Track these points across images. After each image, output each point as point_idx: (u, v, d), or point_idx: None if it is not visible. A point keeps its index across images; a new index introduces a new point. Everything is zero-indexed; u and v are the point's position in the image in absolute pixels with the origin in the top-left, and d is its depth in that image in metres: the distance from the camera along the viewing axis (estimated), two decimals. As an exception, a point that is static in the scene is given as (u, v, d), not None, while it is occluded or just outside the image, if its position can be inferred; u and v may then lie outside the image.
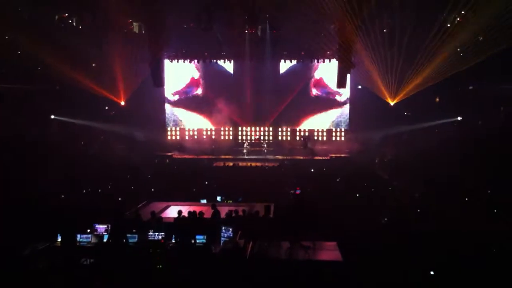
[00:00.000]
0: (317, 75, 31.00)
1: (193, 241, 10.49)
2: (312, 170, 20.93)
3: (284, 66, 30.68)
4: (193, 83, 31.49)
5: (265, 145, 29.25)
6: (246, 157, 28.05)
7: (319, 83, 31.06)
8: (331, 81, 30.36)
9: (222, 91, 30.06)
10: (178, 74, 30.99)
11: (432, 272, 9.07)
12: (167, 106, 31.51)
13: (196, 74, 31.43)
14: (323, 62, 29.73)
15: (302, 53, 29.46)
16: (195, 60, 30.47)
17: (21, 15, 23.04)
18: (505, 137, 21.09)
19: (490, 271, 9.03)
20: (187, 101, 31.63)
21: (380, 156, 26.69)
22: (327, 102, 31.17)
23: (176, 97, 31.64)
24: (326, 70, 30.59)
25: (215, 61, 30.36)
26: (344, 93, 30.78)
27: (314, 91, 31.14)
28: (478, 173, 17.86)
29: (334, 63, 27.82)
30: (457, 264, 9.31)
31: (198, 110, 31.40)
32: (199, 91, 31.47)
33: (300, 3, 21.23)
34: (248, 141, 29.89)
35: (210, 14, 23.15)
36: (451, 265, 9.28)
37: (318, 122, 31.32)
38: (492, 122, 24.80)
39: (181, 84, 31.53)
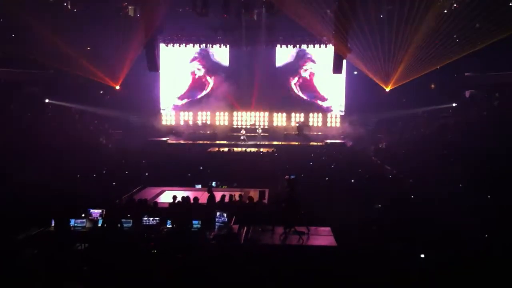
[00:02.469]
0: (308, 72, 30.90)
1: (188, 226, 10.49)
2: (311, 163, 20.95)
3: (282, 57, 30.60)
4: (197, 83, 31.27)
5: (260, 131, 29.19)
6: (240, 142, 28.03)
7: (307, 84, 30.99)
8: (322, 82, 30.56)
9: (220, 77, 29.97)
10: (174, 59, 30.71)
11: (422, 255, 9.14)
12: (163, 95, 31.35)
13: (200, 71, 31.18)
14: (319, 47, 29.57)
15: (298, 37, 29.31)
16: (191, 45, 30.19)
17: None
18: (499, 124, 21.11)
19: (483, 256, 9.12)
20: (194, 102, 31.49)
21: (375, 143, 26.75)
22: (309, 105, 31.28)
23: (185, 101, 31.49)
24: (321, 67, 30.39)
25: (211, 45, 30.17)
26: (330, 100, 30.94)
27: (298, 91, 31.07)
28: (470, 161, 17.91)
29: (331, 51, 27.61)
30: (449, 248, 9.39)
31: (204, 108, 31.23)
32: (208, 89, 31.20)
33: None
34: (244, 127, 29.75)
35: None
36: (444, 249, 9.36)
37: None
38: (487, 108, 24.80)
39: (182, 84, 31.33)
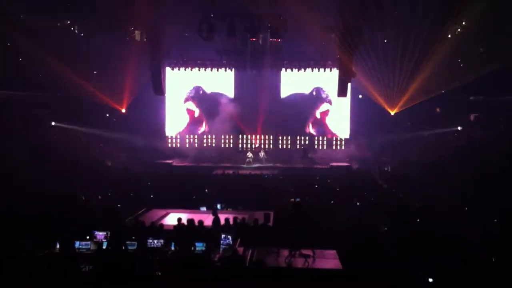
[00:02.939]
0: (319, 111, 31.02)
1: (192, 249, 10.46)
2: (316, 186, 20.96)
3: (287, 81, 30.82)
4: (195, 121, 31.50)
5: (263, 154, 29.18)
6: (245, 166, 28.02)
7: (319, 122, 31.09)
8: (332, 120, 30.77)
9: (220, 110, 30.12)
10: (180, 82, 30.93)
11: (431, 280, 9.06)
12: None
13: (196, 111, 31.45)
14: (324, 71, 29.74)
15: (303, 61, 29.52)
16: (197, 69, 30.44)
17: (23, 21, 23.11)
18: (503, 147, 21.08)
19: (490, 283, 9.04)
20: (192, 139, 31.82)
21: (380, 165, 26.69)
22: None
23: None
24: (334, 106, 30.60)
25: (210, 69, 30.51)
26: (336, 129, 31.06)
27: (310, 129, 31.20)
28: (477, 183, 17.83)
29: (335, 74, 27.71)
30: (456, 273, 9.31)
31: (210, 131, 31.43)
32: (203, 128, 31.45)
33: (301, 13, 21.34)
34: (251, 150, 29.75)
35: (211, 23, 23.23)
36: (451, 273, 9.28)
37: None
38: (491, 132, 24.78)
39: (181, 121, 31.53)
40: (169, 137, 31.47)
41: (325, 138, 31.01)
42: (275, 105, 29.79)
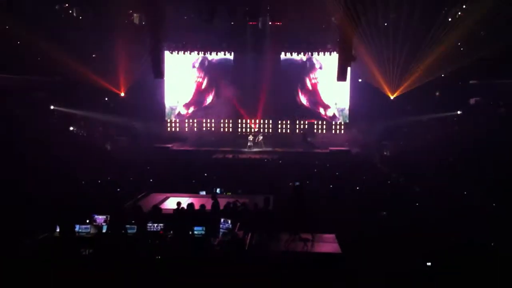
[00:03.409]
0: (313, 81, 30.80)
1: (191, 233, 10.48)
2: (315, 170, 20.99)
3: (286, 65, 30.53)
4: (202, 91, 31.26)
5: (261, 137, 29.07)
6: (245, 149, 27.99)
7: (311, 92, 30.91)
8: (327, 89, 30.44)
9: (224, 83, 29.94)
10: (178, 66, 30.78)
11: (429, 263, 9.10)
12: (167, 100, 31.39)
13: (203, 82, 31.18)
14: (324, 54, 29.60)
15: (303, 45, 29.37)
16: (196, 52, 30.26)
17: (21, 5, 22.93)
18: (504, 133, 21.07)
19: (486, 263, 9.09)
20: (200, 111, 31.57)
21: (380, 150, 26.71)
22: (312, 113, 31.23)
23: (191, 110, 31.49)
24: (326, 74, 30.22)
25: (215, 53, 30.25)
26: (333, 108, 30.80)
27: (302, 98, 31.00)
28: (476, 169, 17.88)
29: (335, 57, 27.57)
30: (454, 256, 9.36)
31: (209, 115, 31.43)
32: (209, 98, 31.28)
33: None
34: (252, 134, 29.68)
35: (211, 5, 23.07)
36: (449, 257, 9.33)
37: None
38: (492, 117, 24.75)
39: (186, 91, 31.28)
40: (169, 121, 31.40)
41: (324, 123, 30.93)
42: (275, 88, 29.66)
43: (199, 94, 31.24)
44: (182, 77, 30.93)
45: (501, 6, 20.46)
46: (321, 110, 30.93)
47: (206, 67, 30.94)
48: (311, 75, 30.62)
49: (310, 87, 30.74)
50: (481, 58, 22.43)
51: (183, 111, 31.39)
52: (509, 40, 20.67)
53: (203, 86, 31.17)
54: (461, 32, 22.79)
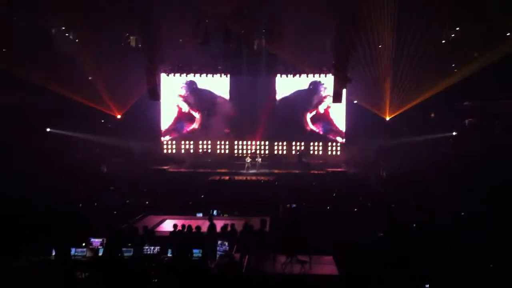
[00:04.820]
0: (322, 107, 30.66)
1: (189, 255, 10.43)
2: (314, 183, 21.04)
3: (289, 87, 30.61)
4: (184, 117, 31.22)
5: (259, 159, 29.10)
6: (243, 171, 27.98)
7: (322, 117, 30.73)
8: (339, 115, 30.25)
9: (216, 111, 30.02)
10: (175, 88, 30.89)
11: (427, 286, 9.07)
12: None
13: (184, 106, 31.13)
14: (319, 76, 29.79)
15: (298, 67, 29.58)
16: (192, 74, 30.38)
17: (18, 27, 23.07)
18: (498, 153, 21.20)
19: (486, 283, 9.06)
20: (181, 138, 31.54)
21: (376, 170, 26.74)
22: (323, 139, 31.08)
23: (167, 138, 31.44)
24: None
25: (205, 75, 30.36)
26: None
27: (311, 126, 30.84)
28: (472, 190, 17.92)
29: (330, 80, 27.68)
30: (453, 279, 9.33)
31: (195, 139, 31.40)
32: (194, 125, 31.28)
33: (296, 19, 21.44)
34: (250, 156, 29.68)
35: (206, 29, 23.29)
36: (447, 279, 9.30)
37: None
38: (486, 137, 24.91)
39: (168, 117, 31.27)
40: (165, 142, 31.41)
41: (320, 144, 30.96)
42: (271, 111, 29.80)
43: (179, 120, 31.24)
44: (178, 99, 31.02)
45: (493, 28, 20.77)
46: (338, 138, 30.87)
47: (192, 92, 30.96)
48: (324, 101, 30.54)
49: (322, 111, 30.66)
50: (474, 79, 22.66)
51: (163, 139, 31.43)
52: (502, 61, 20.92)
53: (183, 110, 31.18)
54: (455, 53, 23.07)
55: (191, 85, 30.72)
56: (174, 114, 31.14)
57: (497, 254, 10.60)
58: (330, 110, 30.49)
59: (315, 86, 30.33)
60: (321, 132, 30.84)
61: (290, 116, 30.29)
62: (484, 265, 10.16)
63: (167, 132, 31.26)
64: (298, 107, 30.57)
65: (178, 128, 31.25)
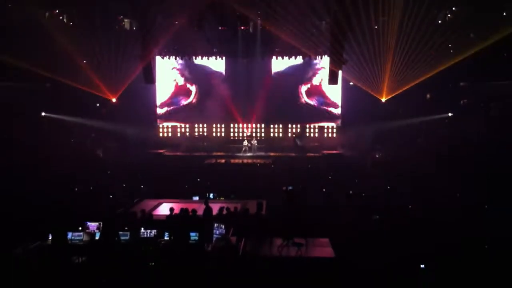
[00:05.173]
0: (316, 79, 30.48)
1: (186, 238, 10.46)
2: (309, 166, 21.09)
3: (284, 63, 30.40)
4: (180, 91, 31.03)
5: (255, 142, 29.10)
6: (239, 154, 27.99)
7: (316, 90, 30.59)
8: (332, 88, 29.89)
9: (211, 91, 29.78)
10: (170, 70, 30.70)
11: (422, 266, 9.13)
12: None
13: (180, 80, 30.90)
14: (315, 58, 29.62)
15: (294, 49, 29.39)
16: (180, 58, 30.13)
17: (11, 11, 22.79)
18: (495, 135, 21.25)
19: (479, 265, 9.13)
20: (177, 112, 31.21)
21: (372, 153, 26.78)
22: (318, 114, 30.78)
23: (164, 110, 31.17)
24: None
25: (200, 57, 30.21)
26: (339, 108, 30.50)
27: (305, 99, 30.68)
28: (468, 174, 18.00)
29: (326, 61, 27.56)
30: (446, 258, 9.40)
31: (190, 119, 31.18)
32: (190, 99, 31.02)
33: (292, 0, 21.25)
34: (246, 139, 29.66)
35: (201, 12, 23.05)
36: (441, 259, 9.37)
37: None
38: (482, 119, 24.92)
39: (165, 92, 31.07)
40: (161, 126, 31.33)
41: (316, 126, 30.93)
42: (267, 93, 29.70)
43: (175, 95, 31.02)
44: (173, 81, 30.86)
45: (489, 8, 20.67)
46: (332, 109, 30.65)
47: (188, 66, 30.72)
48: (317, 74, 30.44)
49: (316, 83, 30.47)
50: (470, 60, 22.59)
51: (159, 111, 31.18)
52: (498, 41, 20.85)
53: (179, 84, 30.91)
54: (451, 34, 22.95)
55: (187, 61, 30.44)
56: (171, 89, 30.94)
57: (494, 237, 10.68)
58: (323, 83, 30.28)
59: (309, 58, 30.11)
60: (316, 105, 30.62)
61: (285, 92, 30.11)
62: (481, 248, 10.25)
63: (163, 105, 31.05)
64: (292, 81, 30.37)
65: (174, 102, 31.01)
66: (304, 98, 30.61)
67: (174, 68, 30.74)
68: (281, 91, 29.82)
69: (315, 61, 30.03)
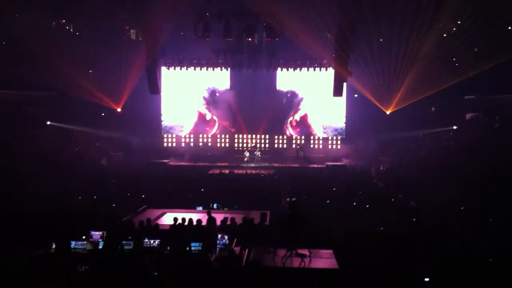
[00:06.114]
0: (298, 115, 31.20)
1: (188, 249, 10.45)
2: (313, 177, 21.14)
3: (283, 81, 30.81)
4: (204, 122, 31.47)
5: (259, 153, 29.18)
6: (243, 164, 28.02)
7: (301, 123, 31.25)
8: (318, 120, 30.85)
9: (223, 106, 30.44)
10: (175, 82, 30.82)
11: (427, 279, 9.08)
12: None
13: (208, 115, 31.41)
14: (320, 70, 29.73)
15: (299, 61, 29.53)
16: (192, 68, 30.32)
17: (18, 21, 22.98)
18: (499, 146, 21.18)
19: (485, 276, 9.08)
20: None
21: (376, 165, 26.73)
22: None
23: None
24: (321, 91, 30.08)
25: (206, 68, 30.37)
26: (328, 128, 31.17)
27: (290, 130, 31.39)
28: (473, 182, 17.91)
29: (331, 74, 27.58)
30: (451, 271, 9.34)
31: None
32: (214, 130, 31.57)
33: (296, 12, 21.34)
34: (249, 148, 29.76)
35: (207, 22, 23.22)
36: (445, 272, 9.31)
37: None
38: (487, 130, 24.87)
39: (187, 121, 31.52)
40: (165, 136, 31.41)
41: (320, 138, 30.99)
42: (272, 104, 29.87)
43: (200, 124, 31.48)
44: (178, 92, 30.96)
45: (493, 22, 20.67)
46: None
47: (213, 100, 31.23)
48: (299, 110, 31.10)
49: (299, 118, 31.22)
50: (475, 74, 22.58)
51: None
52: (502, 55, 20.85)
53: (207, 118, 31.47)
54: (456, 47, 22.95)
55: (213, 93, 31.06)
56: (194, 118, 31.49)
57: (496, 246, 10.63)
58: (308, 116, 31.13)
59: (292, 96, 30.83)
60: (298, 134, 31.40)
61: (285, 106, 30.95)
62: (484, 260, 10.18)
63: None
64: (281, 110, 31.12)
65: (201, 131, 31.60)
66: (290, 130, 31.33)
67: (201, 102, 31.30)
68: (283, 105, 30.58)
69: (296, 98, 30.79)
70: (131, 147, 29.54)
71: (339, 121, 30.68)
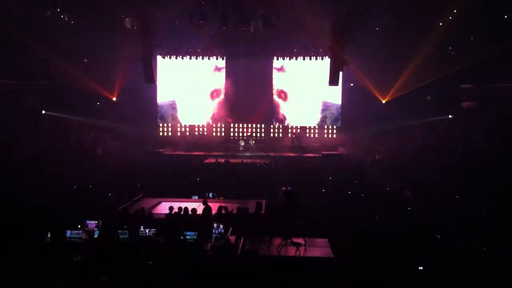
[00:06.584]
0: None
1: (183, 238, 10.46)
2: (308, 165, 21.11)
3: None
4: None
5: (253, 142, 29.17)
6: (239, 154, 28.02)
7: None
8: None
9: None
10: (171, 70, 30.68)
11: (421, 268, 9.13)
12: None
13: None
14: (316, 59, 29.62)
15: (295, 50, 29.41)
16: (188, 57, 30.14)
17: (12, 10, 22.77)
18: (494, 136, 21.24)
19: (480, 266, 9.13)
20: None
21: (372, 154, 26.76)
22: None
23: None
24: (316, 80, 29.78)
25: (201, 58, 30.20)
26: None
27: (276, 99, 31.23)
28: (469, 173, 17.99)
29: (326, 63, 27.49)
30: (446, 260, 9.39)
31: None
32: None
33: (293, 1, 21.26)
34: (244, 137, 29.77)
35: (202, 11, 23.08)
36: (441, 261, 9.36)
37: (308, 120, 31.20)
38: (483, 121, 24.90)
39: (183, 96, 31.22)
40: (161, 125, 31.34)
41: (316, 127, 30.93)
42: (268, 94, 29.84)
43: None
44: (174, 81, 30.83)
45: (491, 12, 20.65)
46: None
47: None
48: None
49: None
50: (471, 63, 22.56)
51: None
52: (499, 44, 20.82)
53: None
54: (452, 36, 22.93)
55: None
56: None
57: (493, 238, 10.69)
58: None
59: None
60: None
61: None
62: (479, 250, 10.24)
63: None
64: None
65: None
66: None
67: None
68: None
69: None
70: (127, 137, 29.46)
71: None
